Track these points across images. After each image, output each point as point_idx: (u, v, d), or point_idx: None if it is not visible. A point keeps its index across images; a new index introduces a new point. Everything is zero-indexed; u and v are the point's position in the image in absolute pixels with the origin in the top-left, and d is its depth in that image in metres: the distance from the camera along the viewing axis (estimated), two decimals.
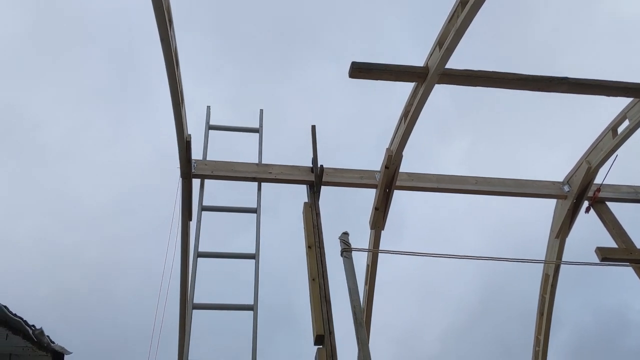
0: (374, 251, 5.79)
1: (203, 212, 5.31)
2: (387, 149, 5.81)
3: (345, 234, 4.33)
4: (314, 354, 3.86)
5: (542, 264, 6.81)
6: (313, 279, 4.33)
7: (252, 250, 5.06)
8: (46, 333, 3.82)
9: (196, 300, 4.65)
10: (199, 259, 4.97)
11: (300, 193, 6.14)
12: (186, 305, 5.10)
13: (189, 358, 4.33)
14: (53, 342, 3.49)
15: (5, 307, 3.03)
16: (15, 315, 3.14)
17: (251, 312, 4.64)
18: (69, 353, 3.86)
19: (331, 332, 3.91)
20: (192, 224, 5.45)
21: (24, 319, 3.43)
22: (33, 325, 3.10)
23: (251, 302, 4.68)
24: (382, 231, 5.72)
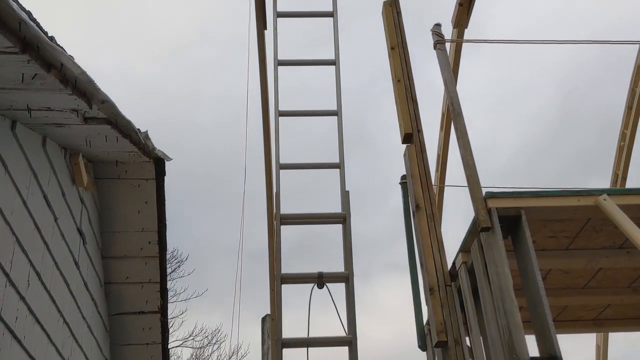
0: (467, 41, 5.53)
1: (278, 20, 5.15)
2: None
3: (438, 25, 4.12)
4: (403, 152, 3.90)
5: (635, 60, 6.39)
6: (398, 80, 4.24)
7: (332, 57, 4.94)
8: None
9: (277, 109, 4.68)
10: (279, 67, 4.92)
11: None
12: (268, 116, 5.18)
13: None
14: (156, 148, 3.65)
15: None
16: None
17: (335, 118, 4.67)
18: (170, 159, 4.03)
19: (419, 130, 3.91)
20: (268, 34, 5.31)
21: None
22: (138, 129, 3.22)
23: (334, 107, 4.68)
24: (466, 29, 5.43)
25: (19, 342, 2.74)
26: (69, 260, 3.48)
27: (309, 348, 3.97)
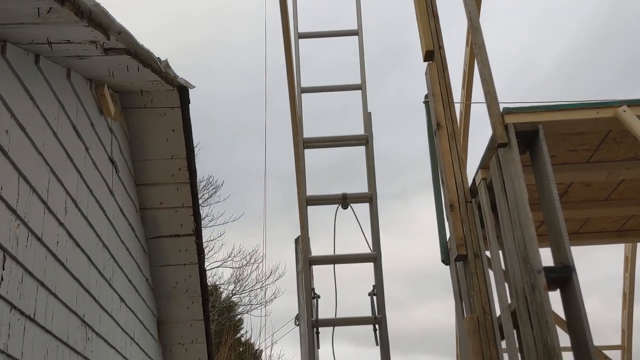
0: None
1: None
2: None
3: None
4: (425, 70, 3.87)
5: None
6: None
7: None
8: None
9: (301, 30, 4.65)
10: None
11: None
12: (289, 37, 5.15)
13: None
14: (178, 76, 3.70)
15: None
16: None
17: (356, 38, 4.61)
18: (193, 87, 4.08)
19: (441, 47, 3.85)
20: None
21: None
22: (158, 58, 3.26)
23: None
24: None
25: (62, 264, 2.94)
26: (103, 187, 3.65)
27: (336, 265, 4.13)
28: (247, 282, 18.13)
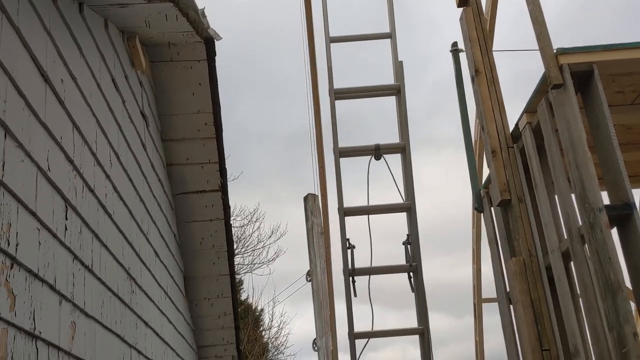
0: None
1: None
2: None
3: None
4: (460, 15, 3.81)
5: None
6: None
7: None
8: None
9: None
10: None
11: None
12: None
13: None
14: (209, 26, 3.63)
15: None
16: None
17: None
18: (220, 38, 4.01)
19: None
20: None
21: None
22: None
23: None
24: None
25: (110, 217, 2.93)
26: (137, 142, 3.61)
27: (370, 215, 4.15)
28: (248, 242, 18.24)
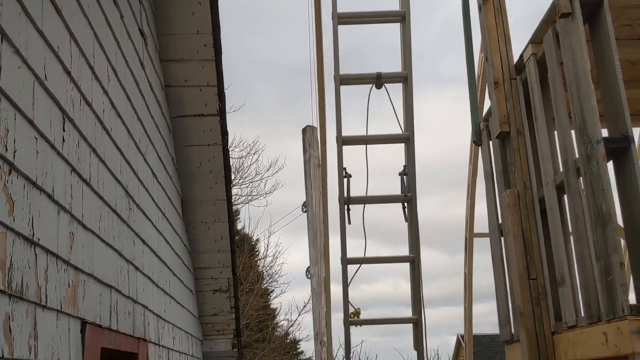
0: None
1: None
2: None
3: None
4: None
5: None
6: None
7: None
8: None
9: None
10: None
11: None
12: None
13: None
14: None
15: None
16: None
17: None
18: None
19: None
20: None
21: None
22: None
23: None
24: None
25: (108, 133, 2.92)
26: (136, 60, 3.56)
27: (368, 145, 4.16)
28: (247, 174, 18.35)
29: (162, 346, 4.18)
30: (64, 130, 2.32)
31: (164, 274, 4.26)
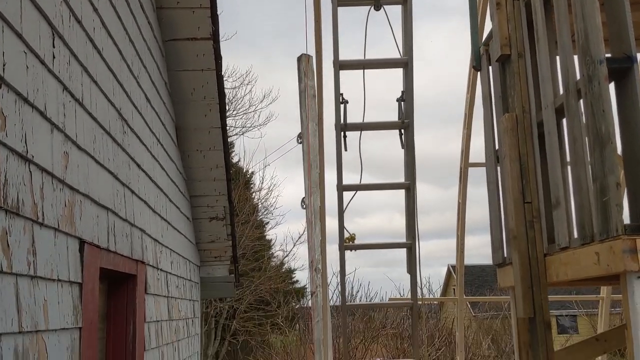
0: None
1: None
2: None
3: None
4: None
5: None
6: None
7: None
8: None
9: None
10: None
11: None
12: None
13: None
14: None
15: None
16: None
17: None
18: None
19: None
20: None
21: None
22: None
23: None
24: None
25: (99, 52, 2.85)
26: None
27: (365, 70, 4.08)
28: (240, 104, 18.17)
29: (161, 269, 4.25)
30: (53, 47, 2.25)
31: (161, 199, 4.28)
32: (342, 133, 4.05)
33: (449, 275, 33.07)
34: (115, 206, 3.04)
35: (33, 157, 2.02)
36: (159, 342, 4.14)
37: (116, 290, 3.34)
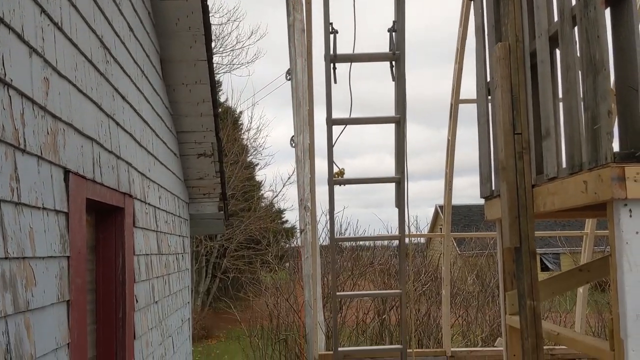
0: None
1: None
2: None
3: None
4: None
5: None
6: None
7: None
8: None
9: None
10: None
11: None
12: None
13: None
14: None
15: None
16: None
17: None
18: None
19: None
20: None
21: None
22: None
23: None
24: None
25: None
26: None
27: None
28: (227, 41, 17.77)
29: (148, 204, 4.24)
30: None
31: (147, 133, 4.21)
32: (332, 65, 3.96)
33: (436, 215, 33.52)
34: (100, 137, 2.99)
35: (12, 80, 1.96)
36: (149, 274, 4.18)
37: (104, 222, 3.33)
